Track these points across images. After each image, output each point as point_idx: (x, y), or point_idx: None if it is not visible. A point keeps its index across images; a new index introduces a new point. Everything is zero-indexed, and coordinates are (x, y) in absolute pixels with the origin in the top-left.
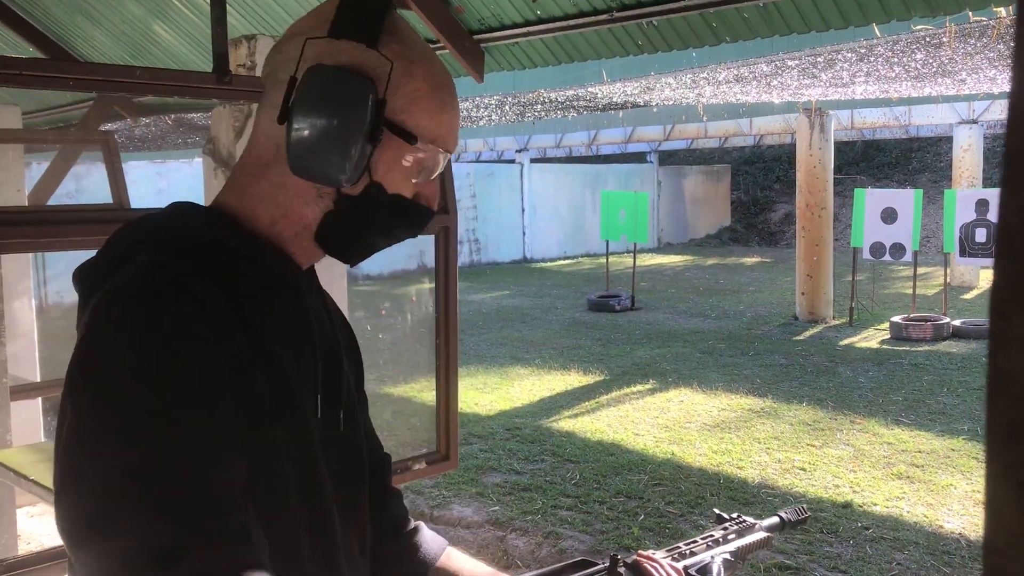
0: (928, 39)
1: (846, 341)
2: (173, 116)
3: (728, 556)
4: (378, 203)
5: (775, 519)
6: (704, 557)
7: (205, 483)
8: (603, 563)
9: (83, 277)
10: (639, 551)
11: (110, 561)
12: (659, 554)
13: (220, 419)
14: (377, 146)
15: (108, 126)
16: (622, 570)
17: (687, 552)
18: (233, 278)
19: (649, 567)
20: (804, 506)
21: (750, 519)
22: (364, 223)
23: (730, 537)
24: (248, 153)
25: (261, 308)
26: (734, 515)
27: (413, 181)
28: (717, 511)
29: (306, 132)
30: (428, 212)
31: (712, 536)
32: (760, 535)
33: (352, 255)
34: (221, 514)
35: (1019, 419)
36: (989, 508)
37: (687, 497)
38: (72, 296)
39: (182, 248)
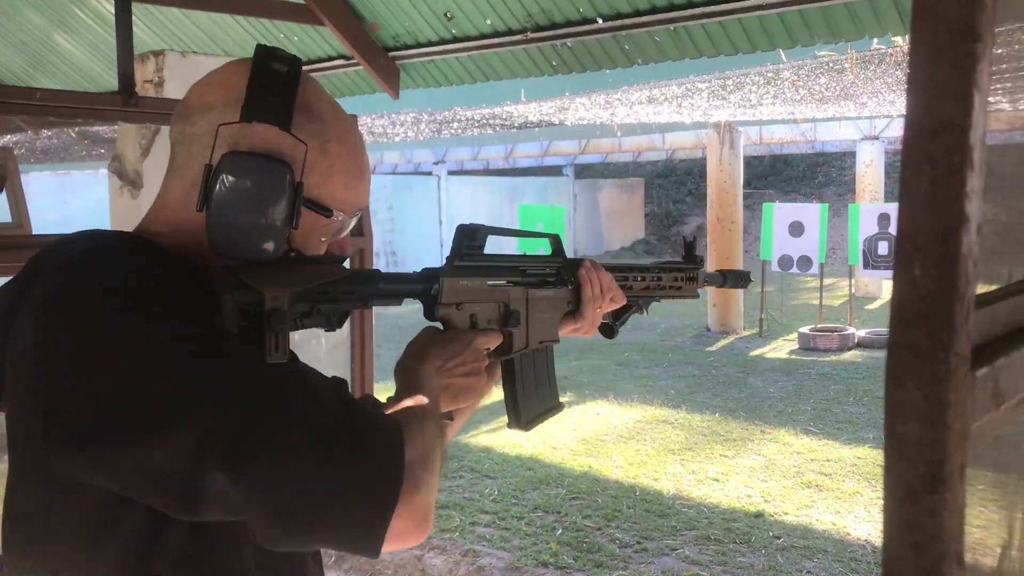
0: (831, 64)
1: (756, 352)
2: (78, 128)
3: (656, 299)
4: None
5: (718, 275)
6: (638, 295)
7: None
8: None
9: None
10: (589, 259)
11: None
12: (613, 270)
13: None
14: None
15: (8, 138)
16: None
17: (631, 282)
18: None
19: (586, 276)
20: (749, 273)
21: (702, 270)
22: None
23: (673, 278)
24: (159, 212)
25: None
26: (692, 266)
27: (323, 240)
28: (687, 239)
29: (225, 219)
30: (341, 259)
31: (658, 276)
32: (690, 291)
33: None
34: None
35: (914, 482)
36: (886, 567)
37: (604, 511)
38: None
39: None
